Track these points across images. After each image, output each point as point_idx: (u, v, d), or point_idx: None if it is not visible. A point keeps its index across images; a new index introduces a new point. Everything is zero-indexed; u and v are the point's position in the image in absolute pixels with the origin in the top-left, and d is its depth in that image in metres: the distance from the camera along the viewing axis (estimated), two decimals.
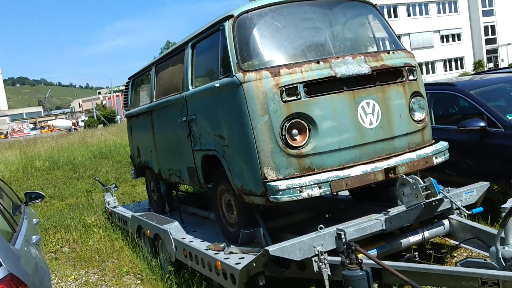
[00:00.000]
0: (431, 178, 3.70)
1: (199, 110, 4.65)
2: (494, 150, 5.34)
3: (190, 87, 4.81)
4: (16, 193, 5.79)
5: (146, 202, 8.23)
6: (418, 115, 4.26)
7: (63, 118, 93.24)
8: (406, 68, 4.19)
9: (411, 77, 4.21)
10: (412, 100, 4.22)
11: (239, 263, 3.86)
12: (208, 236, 5.06)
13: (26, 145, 24.55)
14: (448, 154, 4.39)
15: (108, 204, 8.10)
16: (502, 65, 52.03)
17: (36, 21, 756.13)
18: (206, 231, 5.31)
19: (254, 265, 3.63)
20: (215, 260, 4.09)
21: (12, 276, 2.82)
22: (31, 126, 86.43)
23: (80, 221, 8.18)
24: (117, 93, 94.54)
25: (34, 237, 4.16)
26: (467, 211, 4.06)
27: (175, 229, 5.17)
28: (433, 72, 53.46)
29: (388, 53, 4.18)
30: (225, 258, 4.05)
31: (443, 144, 4.35)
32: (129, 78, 7.44)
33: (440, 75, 52.19)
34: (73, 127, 68.32)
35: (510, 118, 5.38)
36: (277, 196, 3.67)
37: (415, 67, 4.30)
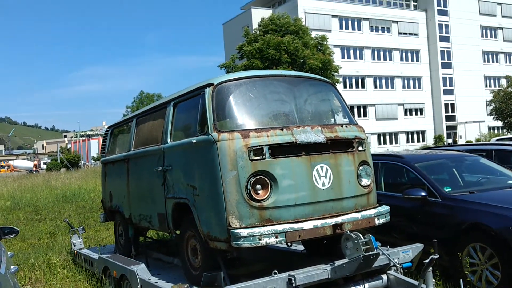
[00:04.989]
0: (370, 235, 4.33)
1: (175, 161, 5.22)
2: (432, 217, 6.06)
3: (168, 140, 5.40)
4: None
5: (111, 246, 8.54)
6: (365, 181, 4.95)
7: (24, 159, 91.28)
8: (357, 140, 4.93)
9: (360, 148, 4.95)
10: (360, 167, 4.92)
11: None
12: (171, 278, 5.48)
13: None
14: (389, 217, 5.05)
15: (74, 245, 8.35)
16: (460, 141, 54.89)
17: (4, 58, 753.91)
18: (170, 274, 5.72)
19: None
20: None
21: None
22: None
23: (44, 260, 8.35)
24: (84, 138, 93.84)
25: (12, 267, 4.51)
26: (398, 265, 4.67)
27: (141, 270, 5.56)
28: (396, 142, 55.77)
29: (342, 126, 4.93)
30: None
31: (385, 208, 5.03)
32: (109, 127, 7.99)
33: (403, 146, 54.46)
34: (34, 168, 66.93)
35: (447, 190, 6.15)
36: (239, 242, 4.20)
37: (364, 139, 5.05)
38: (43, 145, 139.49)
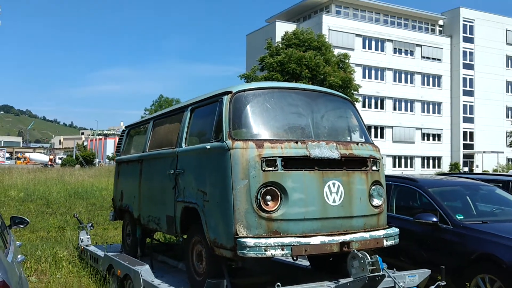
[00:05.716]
0: (377, 256, 4.28)
1: (188, 165, 5.24)
2: (442, 244, 5.96)
3: (183, 144, 5.43)
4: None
5: (117, 245, 8.57)
6: (376, 201, 4.91)
7: (41, 152, 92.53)
8: (371, 159, 4.90)
9: (374, 168, 4.91)
10: (373, 187, 4.88)
11: None
12: (175, 282, 5.47)
13: (2, 173, 24.57)
14: (398, 239, 4.99)
15: (82, 241, 8.40)
16: (476, 170, 54.07)
17: (28, 53, 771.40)
18: (174, 278, 5.71)
19: None
20: None
21: (4, 283, 3.23)
22: (7, 155, 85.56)
23: (51, 253, 8.41)
24: (100, 137, 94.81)
25: (19, 256, 4.55)
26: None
27: (145, 272, 5.57)
28: (411, 166, 55.20)
29: (357, 144, 4.90)
30: None
31: (394, 230, 4.97)
32: (125, 127, 8.07)
33: (418, 171, 53.86)
34: (49, 163, 67.77)
35: (459, 218, 6.06)
36: (245, 252, 4.18)
37: (379, 159, 5.01)
38: (60, 140, 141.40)
